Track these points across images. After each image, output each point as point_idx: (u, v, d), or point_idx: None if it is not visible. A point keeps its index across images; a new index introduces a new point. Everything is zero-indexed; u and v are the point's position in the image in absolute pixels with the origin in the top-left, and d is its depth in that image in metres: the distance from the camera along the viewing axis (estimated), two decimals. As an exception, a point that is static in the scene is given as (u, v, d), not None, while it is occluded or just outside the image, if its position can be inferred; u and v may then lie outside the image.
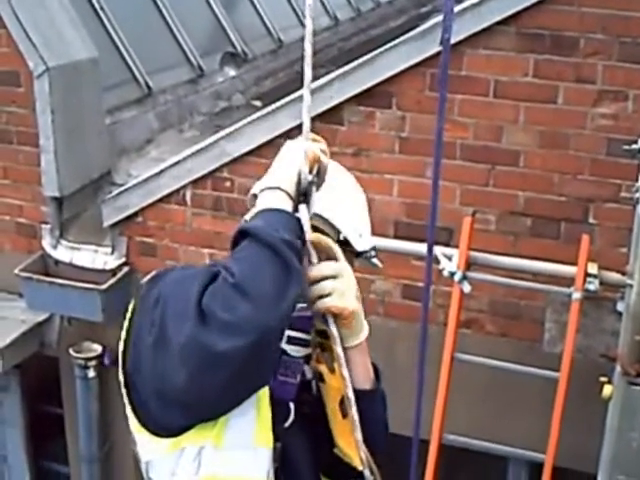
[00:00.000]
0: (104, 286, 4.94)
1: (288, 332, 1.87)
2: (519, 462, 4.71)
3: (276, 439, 1.87)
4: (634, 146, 3.76)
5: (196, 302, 1.61)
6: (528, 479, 4.77)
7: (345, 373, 1.91)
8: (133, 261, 5.12)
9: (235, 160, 4.72)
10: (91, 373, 5.22)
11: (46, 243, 5.25)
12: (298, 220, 1.78)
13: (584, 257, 3.94)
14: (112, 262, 5.10)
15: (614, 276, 3.96)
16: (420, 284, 4.57)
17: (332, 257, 1.95)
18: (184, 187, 4.86)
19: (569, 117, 4.19)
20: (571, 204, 4.28)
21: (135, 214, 5.00)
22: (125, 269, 5.09)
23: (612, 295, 4.08)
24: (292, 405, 1.96)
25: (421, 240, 4.14)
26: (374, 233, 4.43)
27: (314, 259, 1.86)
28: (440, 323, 4.38)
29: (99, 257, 5.12)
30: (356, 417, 1.93)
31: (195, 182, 4.84)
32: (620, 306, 3.90)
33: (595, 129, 4.17)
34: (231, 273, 1.61)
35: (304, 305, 1.87)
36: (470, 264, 4.07)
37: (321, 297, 1.87)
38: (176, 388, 1.67)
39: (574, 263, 3.96)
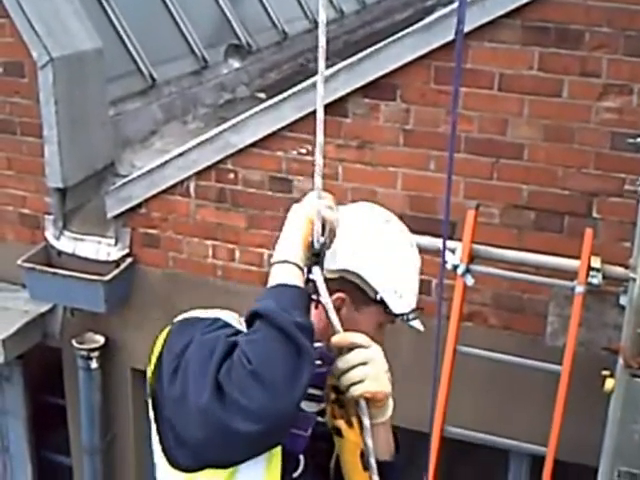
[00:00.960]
0: (107, 277, 4.95)
1: None
2: (520, 455, 4.72)
3: None
4: (638, 140, 3.76)
5: (214, 373, 1.70)
6: (529, 472, 4.77)
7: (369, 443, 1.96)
8: (136, 252, 5.12)
9: (239, 152, 4.72)
10: (94, 364, 5.23)
11: (49, 234, 5.26)
12: (308, 294, 1.84)
13: (587, 251, 3.94)
14: (115, 253, 5.10)
15: (617, 270, 3.95)
16: (424, 277, 4.57)
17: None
18: (188, 178, 4.86)
19: (574, 111, 4.18)
20: (575, 198, 4.27)
21: (139, 205, 5.01)
22: (128, 260, 5.09)
23: (615, 289, 4.07)
24: (302, 457, 2.01)
25: (425, 233, 4.15)
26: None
27: (337, 327, 1.89)
28: (443, 316, 4.37)
29: (102, 248, 5.13)
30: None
31: (199, 173, 4.84)
32: (623, 300, 3.90)
33: (600, 123, 4.16)
34: (247, 358, 1.68)
35: (318, 362, 1.90)
36: (473, 257, 4.07)
37: (353, 384, 1.93)
38: (192, 439, 1.77)
39: (577, 257, 3.96)
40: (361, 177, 4.54)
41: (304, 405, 1.94)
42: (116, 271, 5.01)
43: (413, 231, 4.32)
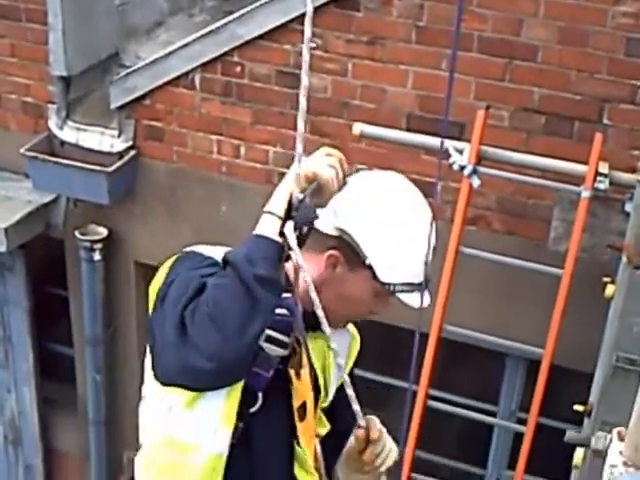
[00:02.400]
0: (110, 168, 4.92)
1: (268, 332, 2.04)
2: (517, 359, 4.77)
3: (241, 420, 2.11)
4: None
5: (181, 311, 1.88)
6: (525, 376, 4.82)
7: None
8: (140, 145, 5.08)
9: (246, 44, 4.62)
10: (97, 256, 5.24)
11: (52, 123, 5.20)
12: (282, 246, 1.91)
13: (596, 155, 3.90)
14: (119, 145, 5.06)
15: (624, 176, 3.92)
16: (429, 179, 4.54)
17: None
18: (193, 70, 4.78)
19: (589, 14, 4.08)
20: (586, 103, 4.21)
21: (143, 97, 4.94)
22: (132, 153, 5.05)
23: (621, 196, 4.05)
24: (260, 394, 2.13)
25: (433, 134, 4.11)
26: (385, 124, 4.39)
27: (309, 281, 1.96)
28: (447, 219, 4.36)
29: (105, 139, 5.08)
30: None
31: (204, 65, 4.75)
32: (628, 207, 3.87)
33: (615, 27, 4.07)
34: (208, 302, 1.85)
35: (284, 311, 2.06)
36: (481, 158, 4.03)
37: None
38: (163, 364, 1.96)
39: (585, 163, 3.92)
40: (371, 74, 4.46)
41: (268, 348, 2.09)
42: (119, 163, 4.97)
43: (420, 132, 4.31)
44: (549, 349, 4.04)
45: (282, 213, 1.92)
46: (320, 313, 2.00)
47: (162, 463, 2.17)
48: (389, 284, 2.09)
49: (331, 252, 2.10)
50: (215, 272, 1.96)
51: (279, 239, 1.90)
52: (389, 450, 2.25)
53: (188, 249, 2.11)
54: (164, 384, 2.03)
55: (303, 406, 2.24)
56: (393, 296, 2.13)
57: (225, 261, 1.92)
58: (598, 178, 3.88)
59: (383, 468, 2.27)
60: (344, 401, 2.28)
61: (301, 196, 1.92)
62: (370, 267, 2.08)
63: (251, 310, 1.85)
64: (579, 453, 3.12)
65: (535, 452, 4.24)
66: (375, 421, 2.25)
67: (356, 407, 2.18)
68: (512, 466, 4.58)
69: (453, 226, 4.12)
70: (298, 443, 2.26)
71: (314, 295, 1.98)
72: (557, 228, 4.35)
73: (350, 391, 2.16)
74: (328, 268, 2.12)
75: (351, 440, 2.32)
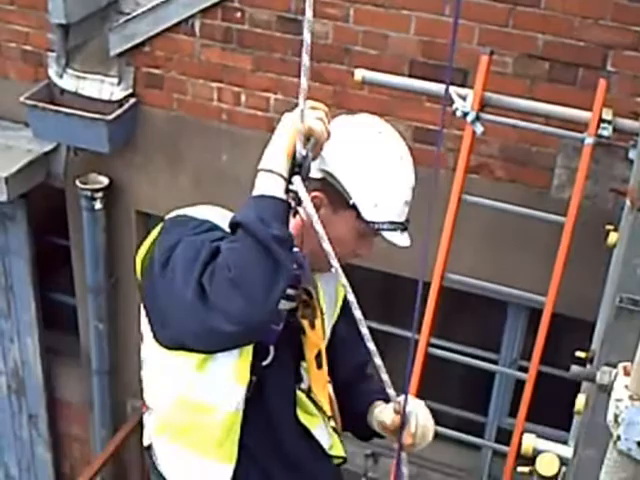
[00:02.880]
0: (110, 117, 4.88)
1: None
2: (519, 307, 4.77)
3: (253, 374, 2.15)
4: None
5: (198, 275, 1.88)
6: (527, 325, 4.83)
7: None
8: (140, 93, 5.04)
9: (247, -12, 4.57)
10: (98, 205, 5.22)
11: (52, 71, 5.16)
12: (288, 204, 1.97)
13: (600, 102, 3.86)
14: (119, 93, 5.02)
15: (628, 123, 3.88)
16: (432, 127, 4.51)
17: None
18: (193, 16, 4.72)
19: (594, -42, 4.03)
20: (590, 50, 4.16)
21: (142, 43, 4.88)
22: (132, 100, 5.01)
23: (625, 143, 4.02)
24: (272, 348, 2.19)
25: (436, 81, 4.07)
26: (387, 70, 4.32)
27: (322, 235, 2.01)
28: (449, 168, 4.34)
29: (105, 87, 5.04)
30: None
31: (204, 11, 4.69)
32: (632, 154, 3.85)
33: (620, -28, 4.02)
34: (228, 266, 1.85)
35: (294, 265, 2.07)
36: (484, 105, 3.99)
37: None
38: (177, 327, 1.97)
39: (589, 110, 3.89)
40: (373, 20, 4.41)
41: (280, 302, 2.08)
42: (119, 111, 4.93)
43: (423, 78, 4.26)
44: (551, 297, 4.03)
45: (283, 170, 1.96)
46: (331, 254, 2.04)
47: (179, 424, 2.21)
48: (373, 222, 2.13)
49: (315, 194, 2.12)
50: (223, 236, 1.98)
51: (285, 197, 1.96)
52: (423, 431, 2.35)
53: (175, 214, 2.13)
54: (170, 348, 2.07)
55: (319, 355, 2.31)
56: (377, 235, 2.17)
57: (235, 224, 1.92)
58: (602, 125, 3.84)
59: (416, 448, 2.35)
60: (345, 348, 2.43)
61: (304, 152, 1.96)
62: (354, 207, 2.12)
63: (274, 272, 1.87)
64: (581, 399, 3.13)
65: (536, 400, 4.26)
66: (416, 411, 2.37)
67: (385, 377, 2.26)
68: (513, 414, 4.61)
69: (455, 174, 4.09)
70: (310, 391, 2.34)
71: (327, 246, 2.03)
72: (560, 175, 4.33)
73: (372, 345, 2.20)
74: None
75: (384, 416, 2.40)
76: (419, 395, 4.47)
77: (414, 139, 4.53)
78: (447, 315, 4.75)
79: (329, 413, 2.40)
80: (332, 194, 2.14)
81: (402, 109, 4.45)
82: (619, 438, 1.11)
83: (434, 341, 4.45)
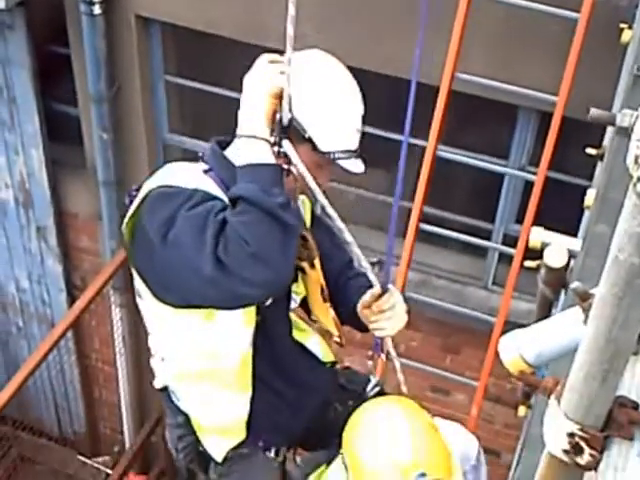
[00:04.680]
0: None
1: None
2: (529, 111, 4.69)
3: (258, 314, 2.35)
4: None
5: (212, 250, 1.97)
6: (537, 129, 4.76)
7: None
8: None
9: None
10: (97, 9, 5.05)
11: None
12: (281, 167, 2.10)
13: None
14: None
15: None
16: None
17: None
18: None
19: None
20: None
21: None
22: None
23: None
24: None
25: None
26: None
27: (317, 191, 2.22)
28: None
29: None
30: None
31: None
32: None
33: None
34: (245, 241, 1.96)
35: None
36: None
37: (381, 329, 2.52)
38: (198, 292, 2.09)
39: None
40: None
41: None
42: None
43: None
44: (562, 98, 3.96)
45: (266, 134, 2.09)
46: (320, 193, 2.24)
47: (197, 371, 2.41)
48: (329, 152, 2.23)
49: None
50: (223, 206, 2.07)
51: (275, 161, 2.09)
52: (388, 326, 2.50)
53: (157, 184, 2.18)
54: (177, 307, 2.22)
55: (322, 291, 2.54)
56: (333, 164, 2.28)
57: (236, 198, 2.03)
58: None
59: (387, 332, 2.53)
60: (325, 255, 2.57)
61: (290, 115, 2.09)
62: (309, 140, 2.21)
63: (286, 236, 2.02)
64: (590, 194, 3.11)
65: (544, 207, 4.26)
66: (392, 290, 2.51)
67: (366, 265, 2.46)
68: (520, 220, 4.61)
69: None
70: (311, 318, 2.68)
71: (315, 186, 2.23)
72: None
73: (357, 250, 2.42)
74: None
75: (365, 296, 2.54)
76: (426, 203, 4.49)
77: None
78: (455, 123, 4.69)
79: (336, 333, 2.65)
80: (290, 131, 2.20)
81: None
82: (639, 180, 1.08)
83: (443, 148, 4.42)
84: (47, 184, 6.10)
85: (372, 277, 2.49)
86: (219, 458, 2.57)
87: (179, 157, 5.62)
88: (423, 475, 2.30)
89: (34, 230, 6.37)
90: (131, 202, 2.24)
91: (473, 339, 5.18)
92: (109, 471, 6.58)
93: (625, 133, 1.20)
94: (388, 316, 2.48)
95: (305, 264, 2.49)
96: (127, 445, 6.83)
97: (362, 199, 5.39)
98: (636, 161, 1.10)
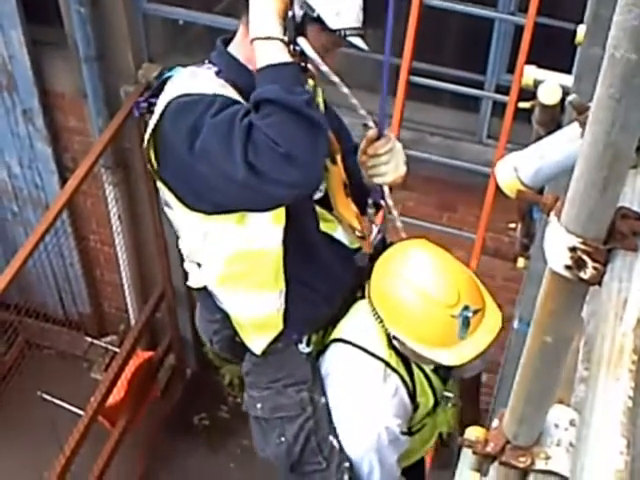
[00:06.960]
0: None
1: None
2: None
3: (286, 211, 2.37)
4: None
5: (242, 155, 1.98)
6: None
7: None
8: None
9: None
10: None
11: None
12: (299, 64, 2.12)
13: None
14: None
15: None
16: None
17: None
18: None
19: None
20: None
21: None
22: None
23: None
24: None
25: None
26: None
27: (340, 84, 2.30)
28: None
29: None
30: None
31: None
32: None
33: None
34: (275, 142, 1.97)
35: None
36: None
37: (379, 175, 2.48)
38: (224, 199, 2.19)
39: None
40: None
41: None
42: None
43: None
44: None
45: (280, 34, 2.08)
46: (337, 80, 2.29)
47: (235, 273, 2.47)
48: (339, 30, 2.22)
49: None
50: (247, 110, 2.06)
51: (292, 59, 2.09)
52: (386, 169, 2.47)
53: (177, 93, 2.17)
54: (210, 213, 2.28)
55: (345, 186, 2.61)
56: (341, 45, 2.28)
57: (260, 101, 2.02)
58: None
59: (385, 178, 2.51)
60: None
61: (301, 11, 2.10)
62: (319, 19, 2.19)
63: (315, 133, 2.04)
64: (581, 29, 3.01)
65: (535, 51, 4.17)
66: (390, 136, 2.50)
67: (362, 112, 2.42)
68: (512, 70, 4.53)
69: None
70: (337, 211, 2.65)
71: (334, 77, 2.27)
72: None
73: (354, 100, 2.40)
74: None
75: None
76: (415, 58, 4.39)
77: None
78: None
79: (359, 227, 2.68)
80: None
81: None
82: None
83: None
84: (29, 65, 5.96)
85: (371, 123, 2.47)
86: (258, 352, 2.66)
87: (159, 27, 5.48)
88: (467, 308, 2.40)
89: (20, 113, 6.26)
90: (141, 114, 2.27)
91: (469, 196, 5.16)
92: (117, 349, 6.66)
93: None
94: (385, 160, 2.47)
95: (327, 160, 2.49)
96: (132, 323, 6.90)
97: (351, 60, 5.27)
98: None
